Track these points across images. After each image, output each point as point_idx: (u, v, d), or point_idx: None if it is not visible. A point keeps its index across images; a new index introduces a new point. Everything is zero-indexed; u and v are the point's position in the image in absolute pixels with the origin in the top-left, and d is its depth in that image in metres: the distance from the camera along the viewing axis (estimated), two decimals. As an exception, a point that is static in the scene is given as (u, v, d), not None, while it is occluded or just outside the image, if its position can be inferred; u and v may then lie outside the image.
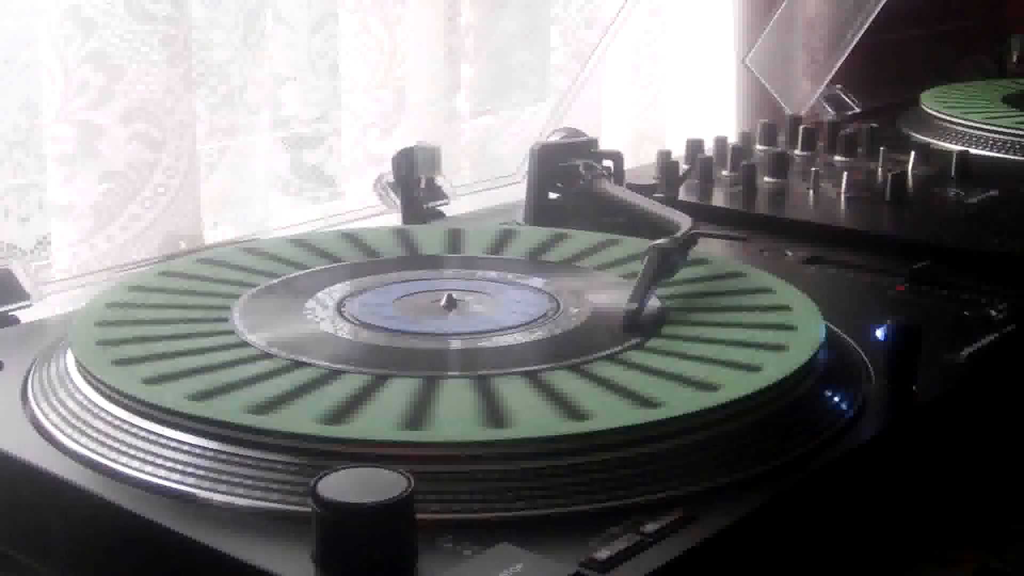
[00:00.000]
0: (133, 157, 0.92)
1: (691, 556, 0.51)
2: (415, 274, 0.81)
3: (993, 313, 0.79)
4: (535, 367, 0.65)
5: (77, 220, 0.92)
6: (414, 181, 1.03)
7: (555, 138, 1.04)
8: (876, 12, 1.42)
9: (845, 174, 1.09)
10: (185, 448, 0.57)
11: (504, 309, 0.75)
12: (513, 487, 0.54)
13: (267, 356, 0.66)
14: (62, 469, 0.58)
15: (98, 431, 0.60)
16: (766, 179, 1.12)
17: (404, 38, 1.13)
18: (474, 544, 0.50)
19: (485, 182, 1.19)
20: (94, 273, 0.90)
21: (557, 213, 0.99)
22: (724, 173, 1.13)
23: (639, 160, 1.27)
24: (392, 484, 0.49)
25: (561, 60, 1.33)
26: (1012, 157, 1.24)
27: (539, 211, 0.99)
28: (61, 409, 0.62)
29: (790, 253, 0.93)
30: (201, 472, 0.56)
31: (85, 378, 0.64)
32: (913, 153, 1.17)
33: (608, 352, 0.67)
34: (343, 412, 0.58)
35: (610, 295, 0.76)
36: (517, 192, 1.07)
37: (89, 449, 0.59)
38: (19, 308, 0.80)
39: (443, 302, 0.75)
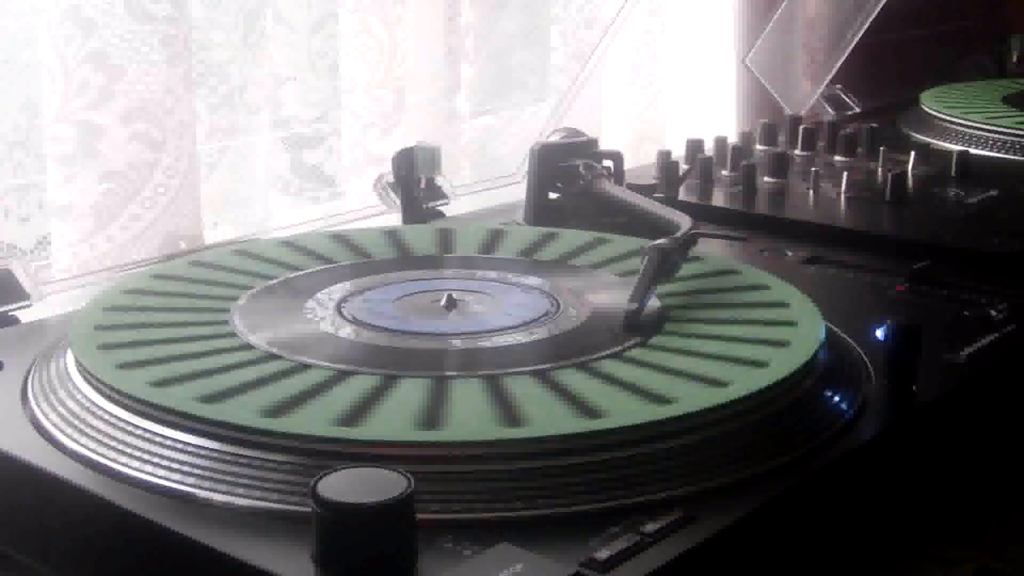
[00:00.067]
0: (133, 157, 0.92)
1: (691, 556, 0.51)
2: (414, 274, 0.81)
3: (993, 313, 0.79)
4: (535, 367, 0.65)
5: (77, 220, 0.92)
6: (414, 181, 1.03)
7: (555, 138, 1.04)
8: (876, 12, 1.42)
9: (845, 174, 1.09)
10: (185, 448, 0.57)
11: (504, 309, 0.75)
12: (513, 487, 0.54)
13: (267, 356, 0.66)
14: (62, 469, 0.58)
15: (98, 431, 0.60)
16: (766, 179, 1.12)
17: (404, 38, 1.13)
18: (474, 544, 0.50)
19: (485, 182, 1.19)
20: (94, 273, 0.90)
21: (557, 213, 0.99)
22: (724, 173, 1.13)
23: (639, 160, 1.27)
24: (392, 484, 0.49)
25: (561, 60, 1.33)
26: (1012, 157, 1.23)
27: (539, 211, 0.99)
28: (61, 409, 0.62)
29: (790, 253, 0.93)
30: (201, 472, 0.56)
31: (85, 378, 0.64)
32: (913, 153, 1.17)
33: (609, 352, 0.67)
34: (343, 412, 0.58)
35: (609, 294, 0.76)
36: (517, 192, 1.07)
37: (89, 449, 0.59)
38: (19, 308, 0.80)
39: (443, 302, 0.75)
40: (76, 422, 0.61)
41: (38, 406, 0.63)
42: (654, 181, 1.06)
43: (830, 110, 1.45)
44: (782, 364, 0.64)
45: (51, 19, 0.88)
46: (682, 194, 1.06)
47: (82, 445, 0.59)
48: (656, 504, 0.54)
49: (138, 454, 0.57)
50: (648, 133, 1.42)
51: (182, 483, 0.55)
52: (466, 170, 1.24)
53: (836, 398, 0.65)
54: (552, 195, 1.00)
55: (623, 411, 0.59)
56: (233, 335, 0.69)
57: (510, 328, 0.71)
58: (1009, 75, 1.69)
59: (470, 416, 0.59)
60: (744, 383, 0.62)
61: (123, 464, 0.57)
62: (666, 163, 1.08)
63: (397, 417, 0.58)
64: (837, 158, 1.21)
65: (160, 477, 0.56)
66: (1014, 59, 1.74)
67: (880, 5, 1.41)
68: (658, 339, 0.69)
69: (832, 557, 0.60)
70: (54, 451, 0.59)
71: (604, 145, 1.09)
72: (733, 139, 1.21)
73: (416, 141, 1.05)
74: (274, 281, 0.79)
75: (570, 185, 0.99)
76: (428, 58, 1.17)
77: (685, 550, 0.51)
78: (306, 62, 1.09)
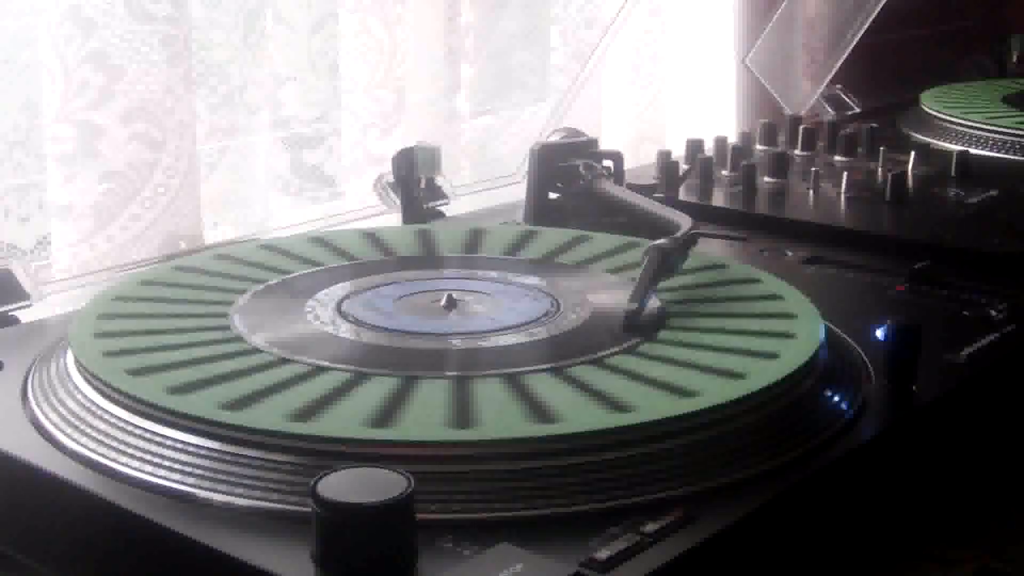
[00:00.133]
0: (133, 157, 0.92)
1: (691, 556, 0.51)
2: (412, 274, 0.81)
3: (993, 313, 0.79)
4: (536, 367, 0.65)
5: (77, 220, 0.92)
6: (414, 181, 1.03)
7: (555, 138, 1.04)
8: (876, 12, 1.42)
9: (845, 174, 1.09)
10: (185, 448, 0.57)
11: (504, 309, 0.75)
12: (513, 487, 0.54)
13: (267, 356, 0.66)
14: (62, 469, 0.58)
15: (98, 431, 0.60)
16: (766, 179, 1.12)
17: (404, 38, 1.13)
18: (474, 544, 0.50)
19: (485, 182, 1.19)
20: (94, 273, 0.90)
21: (557, 213, 0.99)
22: (724, 173, 1.13)
23: (639, 160, 1.27)
24: (392, 484, 0.49)
25: (561, 60, 1.33)
26: (1012, 157, 1.23)
27: (539, 211, 0.99)
28: (61, 409, 0.62)
29: (790, 253, 0.93)
30: (201, 472, 0.56)
31: (85, 378, 0.64)
32: (913, 153, 1.17)
33: (610, 352, 0.67)
34: (343, 412, 0.58)
35: (610, 294, 0.76)
36: (517, 192, 1.08)
37: (89, 449, 0.59)
38: (19, 308, 0.80)
39: (443, 302, 0.75)
40: (76, 422, 0.61)
41: (38, 406, 0.63)
42: (654, 181, 1.06)
43: (830, 110, 1.45)
44: (777, 368, 0.64)
45: (51, 19, 0.88)
46: (682, 194, 1.06)
47: (82, 445, 0.59)
48: (656, 504, 0.54)
49: (138, 454, 0.57)
50: (648, 133, 1.42)
51: (182, 483, 0.55)
52: (466, 170, 1.24)
53: (836, 398, 0.65)
54: (552, 195, 1.00)
55: (639, 407, 0.59)
56: (235, 337, 0.69)
57: (511, 328, 0.71)
58: (1009, 75, 1.69)
59: (470, 416, 0.59)
60: (740, 385, 0.62)
61: (123, 464, 0.57)
62: (666, 163, 1.08)
63: (397, 417, 0.58)
64: (837, 158, 1.21)
65: (160, 477, 0.56)
66: (1014, 59, 1.74)
67: (880, 5, 1.41)
68: (656, 342, 0.69)
69: (832, 557, 0.60)
70: (54, 451, 0.59)
71: (604, 145, 1.09)
72: (733, 139, 1.21)
73: (416, 141, 1.05)
74: (273, 282, 0.79)
75: (570, 185, 0.99)
76: (428, 58, 1.17)
77: (685, 550, 0.51)
78: (306, 62, 1.09)
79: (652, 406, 0.59)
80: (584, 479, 0.55)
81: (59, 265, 0.92)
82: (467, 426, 0.58)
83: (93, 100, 0.90)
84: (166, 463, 0.56)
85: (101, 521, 0.56)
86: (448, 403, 0.60)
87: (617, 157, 1.02)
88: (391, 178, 1.04)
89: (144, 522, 0.53)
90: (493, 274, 0.81)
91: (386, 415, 0.58)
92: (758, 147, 1.24)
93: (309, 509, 0.49)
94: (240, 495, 0.54)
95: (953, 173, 1.14)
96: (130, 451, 0.58)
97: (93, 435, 0.59)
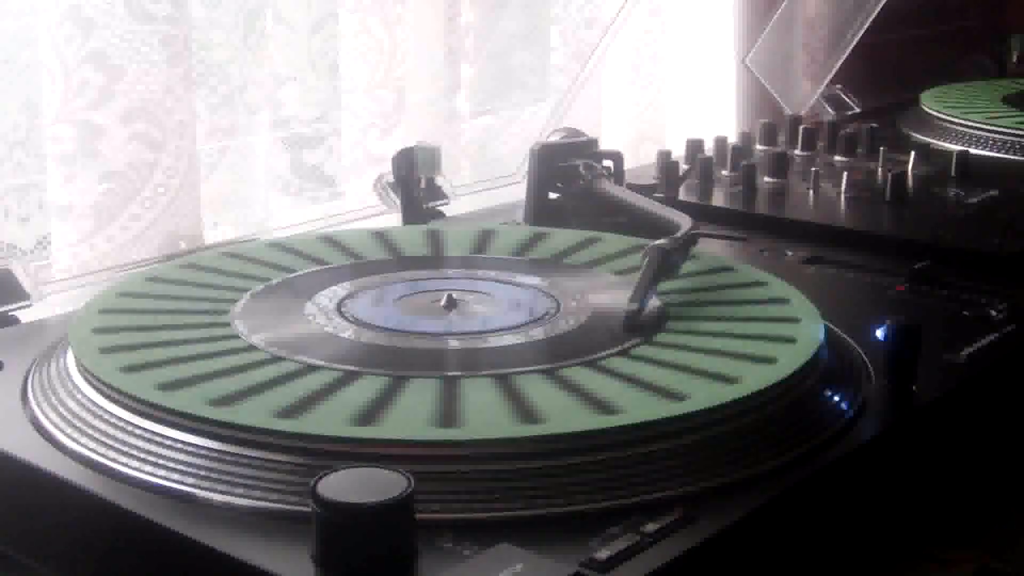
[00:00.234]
0: (133, 157, 0.92)
1: (691, 556, 0.51)
2: (411, 274, 0.81)
3: (993, 313, 0.79)
4: (538, 367, 0.65)
5: (77, 220, 0.92)
6: (414, 181, 1.03)
7: (555, 138, 1.04)
8: (876, 12, 1.42)
9: (845, 174, 1.09)
10: (185, 448, 0.57)
11: (504, 309, 0.75)
12: (513, 487, 0.54)
13: (267, 356, 0.66)
14: (62, 469, 0.58)
15: (98, 431, 0.60)
16: (766, 179, 1.12)
17: (404, 38, 1.13)
18: (474, 544, 0.50)
19: (485, 182, 1.19)
20: (94, 273, 0.90)
21: (557, 213, 0.99)
22: (724, 173, 1.13)
23: (639, 160, 1.27)
24: (392, 484, 0.49)
25: (561, 60, 1.33)
26: (1012, 157, 1.23)
27: (539, 211, 0.99)
28: (61, 409, 0.62)
29: (790, 253, 0.93)
30: (201, 472, 0.56)
31: (85, 378, 0.64)
32: (913, 153, 1.17)
33: (610, 351, 0.67)
34: (343, 412, 0.58)
35: (610, 294, 0.76)
36: (517, 192, 1.07)
37: (89, 449, 0.59)
38: (19, 308, 0.80)
39: (443, 302, 0.75)
40: (76, 422, 0.61)
41: (38, 406, 0.63)
42: (654, 181, 1.06)
43: (830, 110, 1.45)
44: (776, 368, 0.64)
45: (51, 19, 0.88)
46: (682, 194, 1.06)
47: (82, 445, 0.59)
48: (656, 504, 0.54)
49: (138, 454, 0.57)
50: (648, 133, 1.42)
51: (182, 483, 0.55)
52: (466, 170, 1.24)
53: (836, 398, 0.65)
54: (552, 195, 1.00)
55: (627, 410, 0.59)
56: (235, 336, 0.69)
57: (511, 328, 0.71)
58: (1009, 75, 1.69)
59: (470, 416, 0.59)
60: (740, 385, 0.62)
61: (123, 464, 0.57)
62: (666, 163, 1.08)
63: (398, 417, 0.58)
64: (837, 158, 1.21)
65: (160, 477, 0.56)
66: (1014, 59, 1.74)
67: (880, 5, 1.41)
68: (656, 342, 0.69)
69: (832, 557, 0.60)
70: (54, 451, 0.59)
71: (604, 145, 1.09)
72: (733, 139, 1.21)
73: (416, 141, 1.05)
74: (274, 282, 0.79)
75: (570, 185, 0.99)
76: (428, 58, 1.17)
77: (685, 550, 0.51)
78: (306, 62, 1.09)
79: (654, 405, 0.59)
80: (584, 479, 0.55)
81: (59, 265, 0.92)
82: (467, 426, 0.58)
83: (93, 100, 0.90)
84: (166, 463, 0.56)
85: (101, 521, 0.56)
86: (448, 403, 0.60)
87: (617, 157, 1.02)
88: (391, 178, 1.04)
89: (144, 522, 0.53)
90: (496, 274, 0.81)
91: (386, 415, 0.58)
92: (758, 147, 1.24)
93: (309, 509, 0.49)
94: (240, 495, 0.54)
95: (953, 173, 1.14)
96: (130, 451, 0.58)
97: (93, 435, 0.59)
